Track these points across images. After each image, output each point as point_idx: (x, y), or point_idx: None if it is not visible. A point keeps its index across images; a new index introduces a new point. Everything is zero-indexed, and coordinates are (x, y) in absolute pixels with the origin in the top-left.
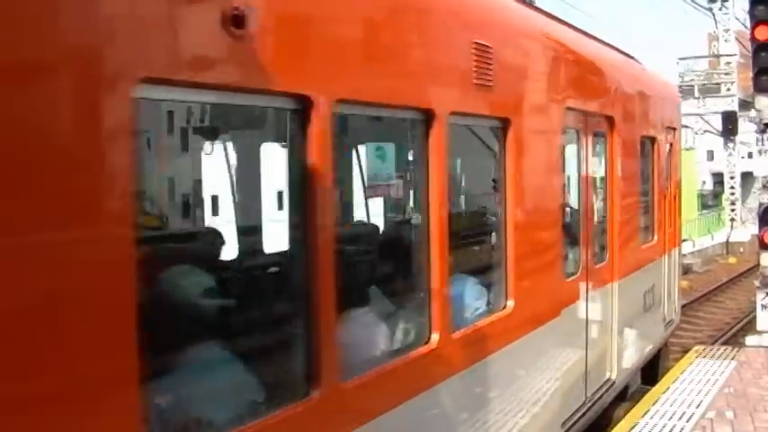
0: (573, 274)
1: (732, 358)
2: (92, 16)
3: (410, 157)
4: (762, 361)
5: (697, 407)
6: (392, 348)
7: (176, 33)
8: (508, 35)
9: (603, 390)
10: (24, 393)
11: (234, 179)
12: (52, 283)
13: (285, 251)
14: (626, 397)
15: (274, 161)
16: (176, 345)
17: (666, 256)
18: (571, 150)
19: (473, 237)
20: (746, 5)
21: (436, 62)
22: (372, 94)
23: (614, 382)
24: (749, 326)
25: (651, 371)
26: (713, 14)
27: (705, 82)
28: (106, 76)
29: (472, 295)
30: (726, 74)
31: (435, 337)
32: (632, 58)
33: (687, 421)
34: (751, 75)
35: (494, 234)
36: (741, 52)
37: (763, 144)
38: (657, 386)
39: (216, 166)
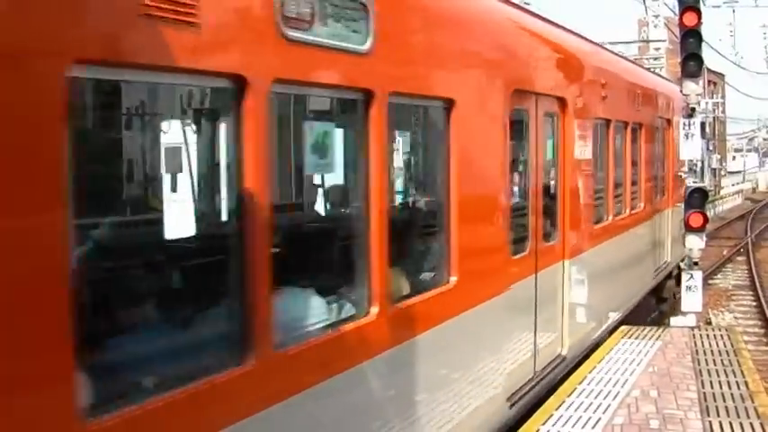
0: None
1: (657, 338)
2: None
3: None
4: (686, 341)
5: (622, 386)
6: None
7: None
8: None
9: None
10: None
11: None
12: None
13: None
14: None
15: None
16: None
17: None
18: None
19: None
20: None
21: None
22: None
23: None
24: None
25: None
26: (643, 0)
27: None
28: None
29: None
30: (655, 59)
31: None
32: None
33: (613, 399)
34: (679, 60)
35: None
36: (670, 38)
37: (689, 128)
38: (584, 366)
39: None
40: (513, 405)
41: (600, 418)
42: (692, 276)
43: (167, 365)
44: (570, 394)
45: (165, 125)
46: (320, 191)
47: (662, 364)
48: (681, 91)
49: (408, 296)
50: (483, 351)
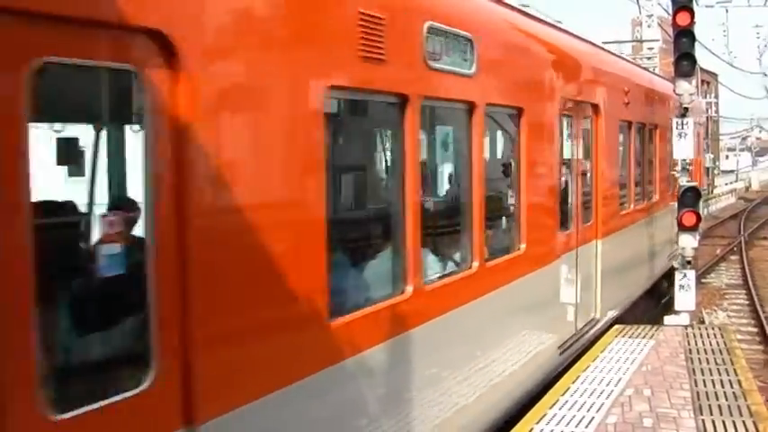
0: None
1: (651, 337)
2: None
3: None
4: (679, 339)
5: (616, 385)
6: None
7: None
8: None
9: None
10: None
11: None
12: None
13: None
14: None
15: None
16: None
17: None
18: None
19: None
20: None
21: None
22: None
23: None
24: None
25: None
26: (637, 0)
27: None
28: None
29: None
30: (648, 59)
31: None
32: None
33: (606, 398)
34: (672, 60)
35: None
36: (663, 38)
37: (682, 128)
38: (578, 364)
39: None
40: (562, 353)
41: (593, 417)
42: (685, 275)
43: (370, 289)
44: (564, 393)
45: (378, 131)
46: (445, 178)
47: (655, 363)
48: (674, 90)
49: (493, 257)
50: (542, 307)
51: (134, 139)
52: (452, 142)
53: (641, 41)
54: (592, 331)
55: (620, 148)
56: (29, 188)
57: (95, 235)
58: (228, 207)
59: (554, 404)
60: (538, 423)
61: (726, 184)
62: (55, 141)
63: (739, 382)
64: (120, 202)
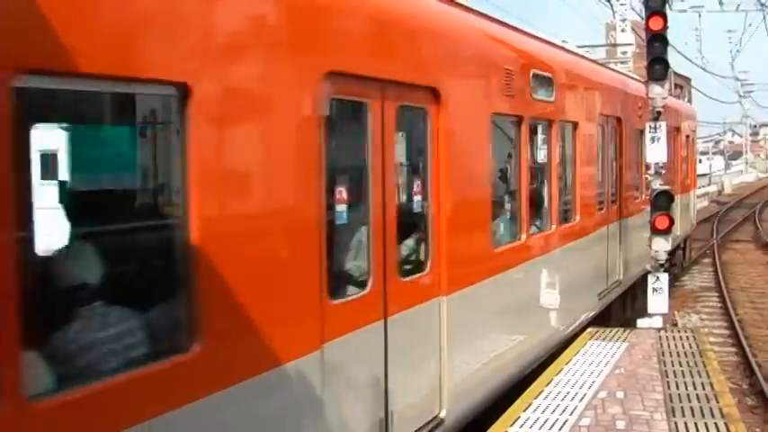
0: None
1: (624, 340)
2: None
3: None
4: (652, 342)
5: (589, 387)
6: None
7: None
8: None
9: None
10: None
11: None
12: None
13: None
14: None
15: None
16: None
17: (680, 197)
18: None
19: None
20: None
21: None
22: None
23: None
24: None
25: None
26: (611, 5)
27: None
28: None
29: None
30: (622, 63)
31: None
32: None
33: (580, 401)
34: (645, 64)
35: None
36: (637, 42)
37: (655, 132)
38: (551, 367)
39: None
40: (600, 299)
41: (567, 420)
42: (658, 278)
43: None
44: (537, 396)
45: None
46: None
47: (628, 366)
48: (647, 94)
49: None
50: (588, 264)
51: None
52: (544, 146)
53: (615, 45)
54: (616, 289)
55: (636, 150)
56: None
57: None
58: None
59: (527, 407)
60: (512, 426)
61: (699, 187)
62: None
63: (711, 385)
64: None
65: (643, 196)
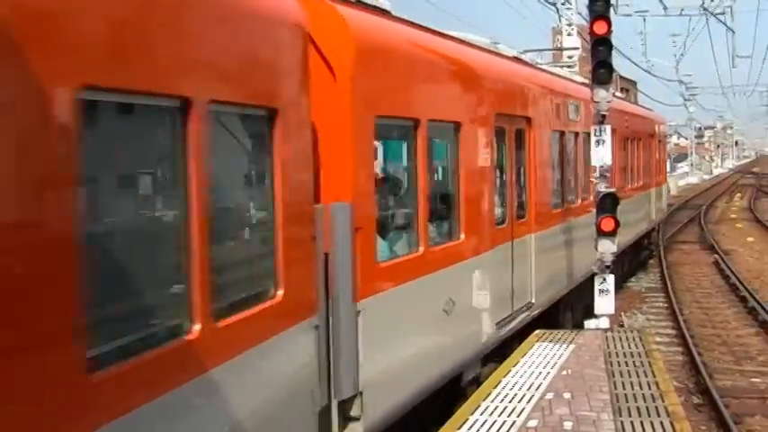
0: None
1: (571, 341)
2: None
3: None
4: (599, 343)
5: (537, 389)
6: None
7: None
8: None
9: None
10: None
11: None
12: None
13: None
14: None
15: None
16: None
17: (655, 191)
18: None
19: None
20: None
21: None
22: None
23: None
24: None
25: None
26: (557, 9)
27: None
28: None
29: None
30: (568, 67)
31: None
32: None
33: (527, 403)
34: (590, 68)
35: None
36: (583, 46)
37: (600, 135)
38: (499, 369)
39: None
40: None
41: (515, 422)
42: (604, 280)
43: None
44: (485, 398)
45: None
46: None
47: (575, 367)
48: (592, 98)
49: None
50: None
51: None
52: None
53: (561, 50)
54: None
55: (623, 153)
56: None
57: None
58: None
59: (475, 410)
60: (459, 429)
61: None
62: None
63: (657, 384)
64: None
65: (635, 183)
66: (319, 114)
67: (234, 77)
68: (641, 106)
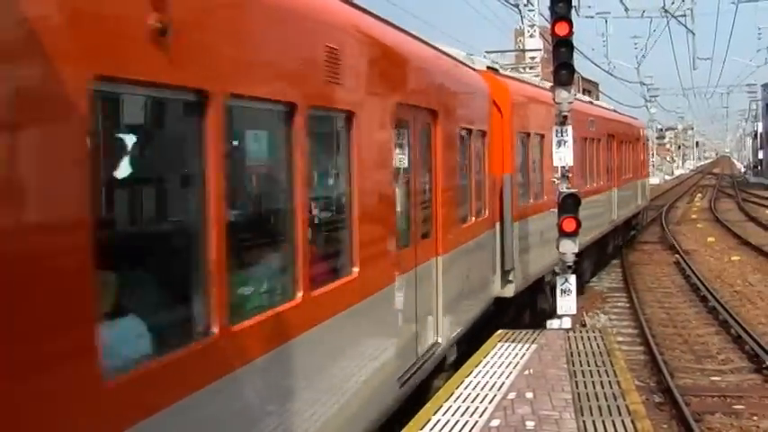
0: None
1: (533, 341)
2: None
3: None
4: (561, 343)
5: (499, 389)
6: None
7: None
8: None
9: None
10: None
11: None
12: None
13: None
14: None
15: None
16: None
17: (640, 182)
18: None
19: None
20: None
21: None
22: None
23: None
24: None
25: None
26: (519, 10)
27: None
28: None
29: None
30: (531, 68)
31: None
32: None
33: (490, 403)
34: (551, 69)
35: None
36: (545, 47)
37: (561, 136)
38: (461, 370)
39: None
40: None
41: (477, 422)
42: (566, 280)
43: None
44: (447, 399)
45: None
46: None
47: (537, 367)
48: (553, 99)
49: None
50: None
51: None
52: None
53: (524, 51)
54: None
55: (605, 154)
56: None
57: None
58: None
59: (438, 410)
60: (422, 429)
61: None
62: None
63: (618, 383)
64: None
65: (619, 180)
66: (493, 132)
67: (477, 121)
68: (628, 116)
